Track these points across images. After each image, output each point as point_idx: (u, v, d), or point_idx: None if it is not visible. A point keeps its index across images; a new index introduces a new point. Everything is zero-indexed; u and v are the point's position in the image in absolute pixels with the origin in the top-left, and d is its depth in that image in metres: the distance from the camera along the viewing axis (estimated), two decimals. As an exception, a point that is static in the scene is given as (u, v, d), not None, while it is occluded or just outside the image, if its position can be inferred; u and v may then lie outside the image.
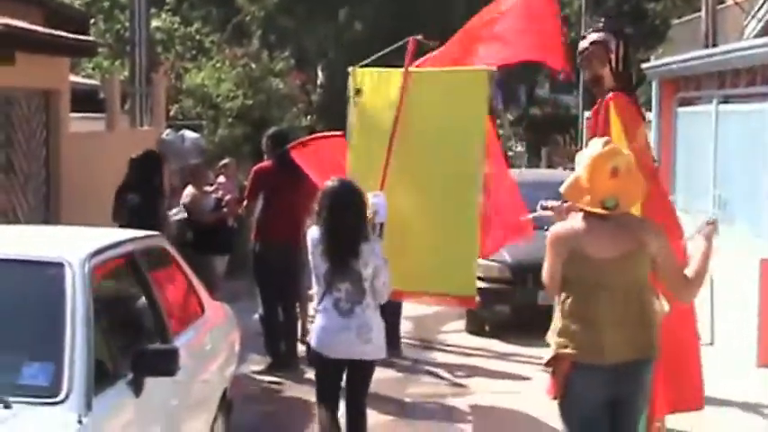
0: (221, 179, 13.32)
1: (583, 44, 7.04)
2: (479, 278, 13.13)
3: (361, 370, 7.15)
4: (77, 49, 11.84)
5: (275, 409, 9.84)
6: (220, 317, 7.26)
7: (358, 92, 8.97)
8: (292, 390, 10.44)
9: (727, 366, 11.20)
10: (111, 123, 14.49)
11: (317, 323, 7.09)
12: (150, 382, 4.99)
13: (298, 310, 11.70)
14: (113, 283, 5.59)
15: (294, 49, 32.67)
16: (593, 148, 5.47)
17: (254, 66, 20.69)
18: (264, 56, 22.63)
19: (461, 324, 13.97)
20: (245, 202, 11.29)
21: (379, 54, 9.20)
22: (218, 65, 20.45)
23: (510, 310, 13.20)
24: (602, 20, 7.34)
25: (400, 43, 9.21)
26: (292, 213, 10.70)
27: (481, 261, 12.27)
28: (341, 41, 35.62)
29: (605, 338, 5.33)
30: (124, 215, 10.83)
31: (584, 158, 5.43)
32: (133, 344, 5.11)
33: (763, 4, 14.94)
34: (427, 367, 11.87)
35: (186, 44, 22.92)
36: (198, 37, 23.56)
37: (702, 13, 16.92)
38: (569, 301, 5.42)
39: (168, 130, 16.33)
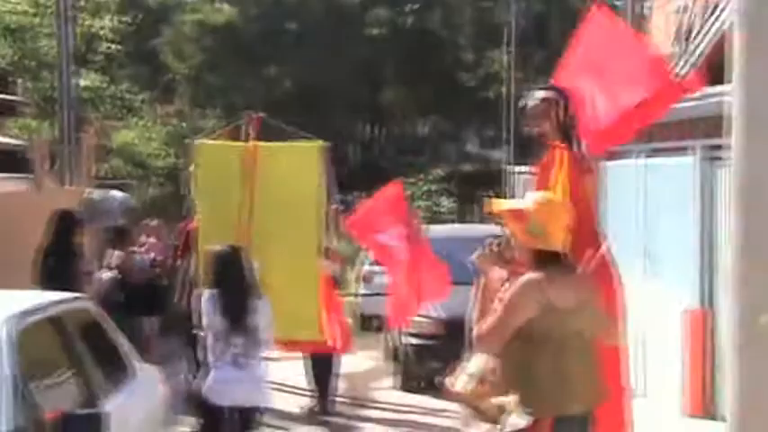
0: (151, 239, 13.21)
1: (528, 101, 7.18)
2: (411, 334, 13.28)
3: (253, 416, 7.78)
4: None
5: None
6: (150, 380, 7.16)
7: (197, 165, 9.72)
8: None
9: (657, 416, 11.29)
10: (38, 183, 14.36)
11: (213, 375, 7.64)
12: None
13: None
14: (40, 345, 5.48)
15: (223, 107, 32.66)
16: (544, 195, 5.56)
17: (183, 124, 20.64)
18: (194, 114, 22.59)
19: (392, 381, 13.96)
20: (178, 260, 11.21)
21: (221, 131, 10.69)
22: (147, 124, 20.38)
23: (443, 365, 13.16)
24: (549, 82, 7.51)
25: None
26: None
27: (415, 318, 12.44)
28: (270, 98, 35.71)
29: (579, 387, 5.40)
30: (41, 278, 10.69)
31: (544, 201, 5.52)
32: (59, 407, 5.01)
33: (683, 60, 15.18)
34: (361, 424, 11.82)
35: (115, 103, 22.80)
36: (126, 96, 23.46)
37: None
38: (542, 354, 5.36)
39: (95, 190, 16.26)
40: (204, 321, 7.76)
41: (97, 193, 15.43)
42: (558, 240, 5.42)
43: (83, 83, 21.83)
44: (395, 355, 14.23)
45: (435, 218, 27.73)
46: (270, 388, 8.15)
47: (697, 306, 11.42)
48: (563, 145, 6.92)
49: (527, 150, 21.72)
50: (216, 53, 36.44)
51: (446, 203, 31.77)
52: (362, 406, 12.89)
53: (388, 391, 13.72)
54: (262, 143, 9.74)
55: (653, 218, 12.85)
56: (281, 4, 38.08)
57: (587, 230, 7.07)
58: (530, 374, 5.37)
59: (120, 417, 5.92)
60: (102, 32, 23.36)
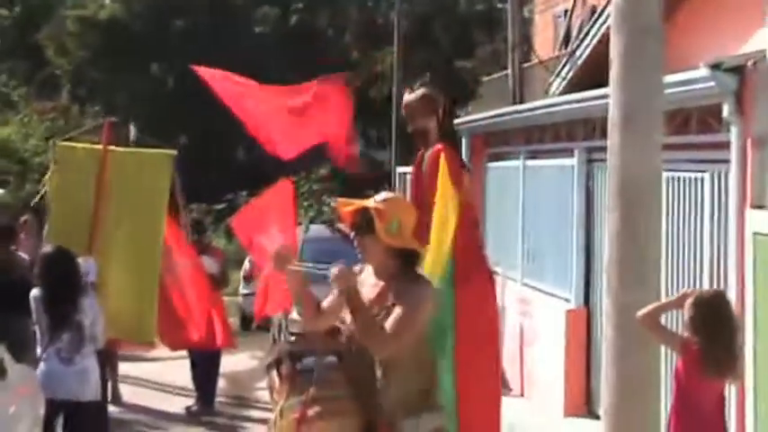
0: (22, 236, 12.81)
1: (410, 97, 7.17)
2: (294, 334, 13.22)
3: (82, 410, 8.01)
4: None
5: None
6: (24, 381, 6.98)
7: (56, 163, 9.92)
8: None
9: (538, 417, 11.42)
10: None
11: (41, 369, 7.99)
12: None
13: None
14: None
15: (105, 104, 32.13)
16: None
17: (62, 121, 20.22)
18: (74, 110, 22.14)
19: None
20: None
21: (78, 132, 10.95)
22: (25, 119, 19.92)
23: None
24: (428, 75, 7.54)
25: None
26: None
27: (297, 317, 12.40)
28: (154, 96, 35.25)
29: None
30: None
31: (391, 199, 5.45)
32: None
33: (565, 64, 15.42)
34: (244, 424, 11.74)
35: (-8, 98, 22.27)
36: (4, 90, 22.90)
37: (509, 71, 17.39)
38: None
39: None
40: (34, 318, 8.20)
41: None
42: (413, 239, 5.35)
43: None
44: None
45: (319, 217, 27.62)
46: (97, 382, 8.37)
47: (577, 306, 11.57)
48: (444, 143, 6.98)
49: (412, 151, 21.83)
50: (99, 49, 35.84)
51: (330, 203, 31.68)
52: (245, 406, 12.79)
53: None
54: (114, 148, 9.98)
55: (534, 219, 13.00)
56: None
57: (471, 231, 7.14)
58: (427, 373, 5.40)
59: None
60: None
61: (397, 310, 5.12)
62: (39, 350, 8.13)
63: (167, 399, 12.72)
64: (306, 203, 29.09)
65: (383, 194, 5.45)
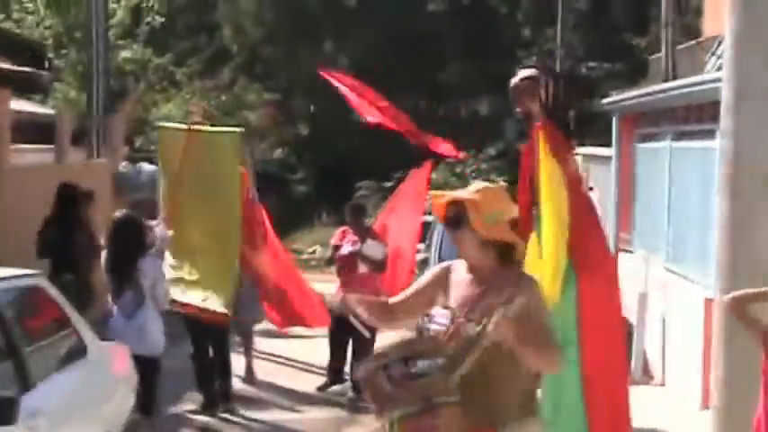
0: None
1: (514, 80, 7.03)
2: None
3: (140, 363, 8.19)
4: (12, 81, 11.60)
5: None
6: (108, 359, 7.02)
7: (159, 145, 10.92)
8: (224, 428, 10.23)
9: (675, 408, 10.98)
10: (60, 156, 14.29)
11: (109, 326, 8.70)
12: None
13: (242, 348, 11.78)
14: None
15: (278, 82, 32.54)
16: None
17: (224, 98, 20.47)
18: (237, 88, 22.43)
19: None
20: None
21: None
22: (186, 96, 20.25)
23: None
24: (534, 59, 7.37)
25: None
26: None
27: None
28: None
29: None
30: (39, 249, 10.67)
31: (488, 189, 5.07)
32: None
33: (721, 43, 14.72)
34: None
35: (158, 75, 22.69)
36: (170, 68, 23.35)
37: (663, 50, 16.77)
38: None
39: (124, 163, 16.17)
40: (104, 278, 9.01)
41: (126, 166, 15.29)
42: (511, 231, 4.95)
43: (125, 54, 21.83)
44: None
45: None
46: (161, 338, 8.86)
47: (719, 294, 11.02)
48: (548, 124, 6.74)
49: (585, 130, 21.44)
50: (273, 28, 36.28)
51: (496, 181, 31.36)
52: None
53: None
54: (197, 127, 10.53)
55: (679, 203, 12.48)
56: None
57: (586, 217, 6.84)
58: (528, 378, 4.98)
59: (58, 398, 5.79)
60: (148, 4, 23.26)
61: (537, 317, 4.76)
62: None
63: (299, 377, 12.66)
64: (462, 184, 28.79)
65: (478, 184, 5.14)
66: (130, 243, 8.78)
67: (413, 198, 11.66)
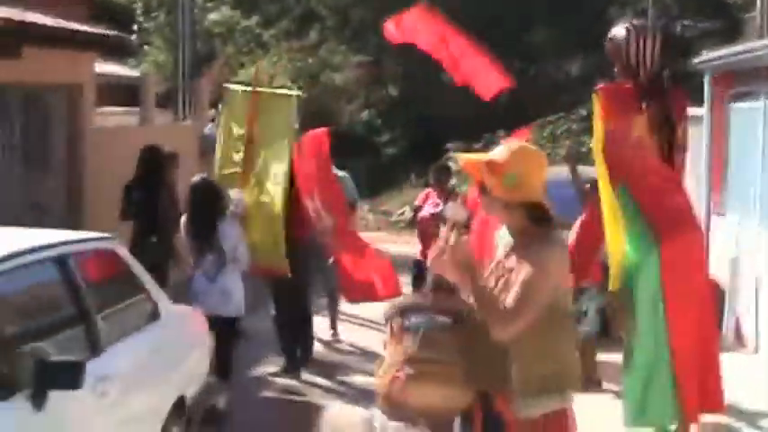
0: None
1: (606, 40, 7.01)
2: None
3: (223, 324, 8.59)
4: (97, 44, 11.64)
5: (283, 412, 9.62)
6: (183, 323, 6.99)
7: (223, 106, 11.06)
8: (306, 391, 10.20)
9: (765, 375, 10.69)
10: (144, 118, 14.33)
11: (191, 287, 8.92)
12: (61, 396, 4.72)
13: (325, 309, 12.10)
14: (33, 287, 5.31)
15: (367, 44, 32.30)
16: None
17: (310, 59, 20.39)
18: (324, 49, 22.31)
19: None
20: None
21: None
22: (273, 59, 20.20)
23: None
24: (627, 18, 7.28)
25: None
26: (298, 210, 10.37)
27: None
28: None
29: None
30: (123, 212, 10.71)
31: (518, 149, 4.77)
32: (49, 354, 4.82)
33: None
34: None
35: (246, 38, 22.67)
36: (258, 30, 23.30)
37: (758, 5, 16.24)
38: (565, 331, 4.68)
39: (210, 125, 16.20)
40: (183, 242, 9.18)
41: (211, 129, 15.31)
42: (539, 192, 4.63)
43: (213, 17, 21.85)
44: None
45: (578, 157, 26.83)
46: (242, 300, 9.06)
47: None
48: (606, 84, 6.67)
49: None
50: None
51: (589, 142, 30.87)
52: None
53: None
54: (260, 89, 10.70)
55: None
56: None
57: (663, 184, 6.64)
58: (554, 355, 4.60)
59: (129, 362, 5.76)
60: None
61: (519, 280, 4.46)
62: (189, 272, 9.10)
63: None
64: (564, 142, 28.40)
65: (508, 143, 4.95)
66: (209, 207, 8.90)
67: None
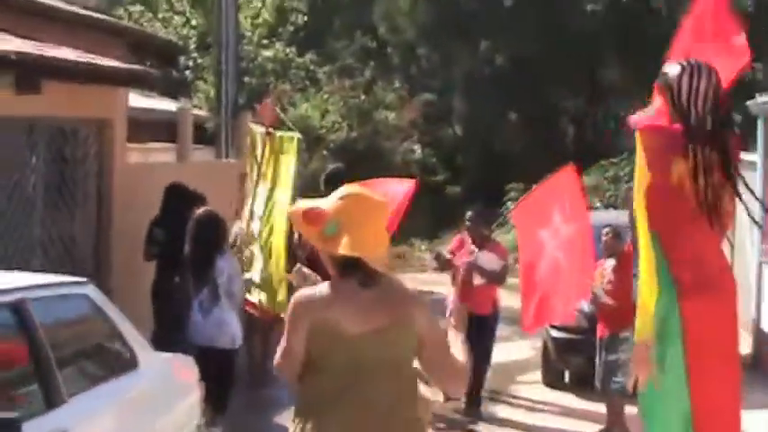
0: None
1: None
2: (555, 327, 12.41)
3: (218, 356, 8.86)
4: (124, 79, 11.44)
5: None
6: (165, 371, 6.69)
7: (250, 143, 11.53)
8: None
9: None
10: (181, 154, 14.13)
11: (189, 319, 9.10)
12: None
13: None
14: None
15: (431, 82, 32.10)
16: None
17: (363, 97, 20.19)
18: (377, 88, 22.10)
19: (537, 375, 13.19)
20: None
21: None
22: (325, 96, 20.04)
23: (585, 361, 12.25)
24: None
25: None
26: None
27: None
28: (482, 73, 35.01)
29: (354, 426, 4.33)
30: (151, 251, 10.49)
31: (348, 196, 4.44)
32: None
33: None
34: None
35: (299, 74, 22.55)
36: (311, 67, 23.18)
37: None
38: (316, 383, 4.38)
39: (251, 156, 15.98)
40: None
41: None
42: (362, 245, 4.29)
43: (267, 53, 21.75)
44: (544, 347, 13.35)
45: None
46: (238, 332, 9.23)
47: None
48: (649, 124, 6.18)
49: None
50: (429, 27, 35.95)
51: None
52: (498, 401, 12.17)
53: (531, 386, 12.96)
54: (272, 131, 10.96)
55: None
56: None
57: (694, 235, 6.21)
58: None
59: (92, 413, 5.46)
60: (291, 3, 23.21)
61: (438, 332, 4.51)
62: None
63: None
64: (625, 185, 27.85)
65: (344, 189, 4.48)
66: (208, 240, 9.15)
67: (566, 203, 10.52)
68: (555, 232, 9.88)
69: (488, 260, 11.01)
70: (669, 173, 6.15)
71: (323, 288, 4.42)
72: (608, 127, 38.48)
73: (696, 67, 6.42)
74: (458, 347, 4.58)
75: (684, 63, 6.47)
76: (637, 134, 6.15)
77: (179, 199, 10.57)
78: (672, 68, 6.40)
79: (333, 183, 10.96)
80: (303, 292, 4.46)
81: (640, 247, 6.20)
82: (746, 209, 6.18)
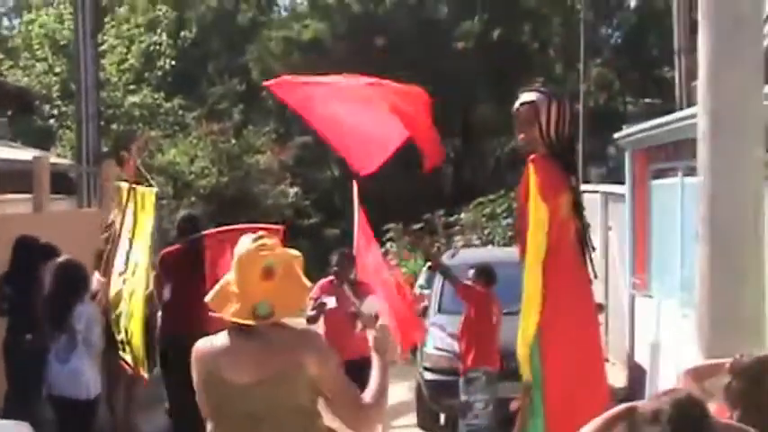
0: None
1: (515, 105, 6.16)
2: (428, 369, 12.18)
3: (76, 408, 8.80)
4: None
5: None
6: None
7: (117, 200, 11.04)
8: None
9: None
10: (38, 204, 13.56)
11: (47, 368, 8.95)
12: None
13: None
14: None
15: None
16: (241, 245, 4.38)
17: (233, 141, 19.85)
18: (248, 131, 21.80)
19: (413, 418, 12.92)
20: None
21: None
22: (193, 141, 19.65)
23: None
24: (538, 80, 6.58)
25: None
26: (196, 305, 9.61)
27: (430, 351, 11.61)
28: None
29: None
30: (1, 308, 9.95)
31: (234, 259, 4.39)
32: None
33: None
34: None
35: (167, 120, 22.13)
36: (180, 112, 22.79)
37: (676, 78, 15.88)
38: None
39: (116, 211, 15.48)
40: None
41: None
42: (255, 299, 4.25)
43: (133, 99, 21.30)
44: (417, 389, 13.08)
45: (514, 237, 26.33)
46: (96, 382, 9.04)
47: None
48: (540, 155, 5.93)
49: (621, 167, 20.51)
50: (301, 70, 35.83)
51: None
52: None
53: (407, 429, 12.71)
54: (134, 186, 10.23)
55: (693, 245, 11.52)
56: (370, 18, 37.34)
57: (564, 257, 6.00)
58: None
59: None
60: (158, 49, 22.81)
61: (336, 379, 4.41)
62: None
63: None
64: (504, 221, 27.83)
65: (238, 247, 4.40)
66: (66, 288, 9.01)
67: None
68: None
69: (370, 305, 10.52)
70: (559, 204, 5.94)
71: (220, 338, 4.39)
72: (485, 165, 38.74)
73: (556, 95, 6.24)
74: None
75: (547, 90, 6.29)
76: (531, 164, 5.92)
77: (28, 253, 10.06)
78: (535, 95, 6.15)
79: (185, 232, 10.63)
80: (200, 343, 4.44)
81: (526, 282, 5.97)
82: (588, 245, 6.03)
